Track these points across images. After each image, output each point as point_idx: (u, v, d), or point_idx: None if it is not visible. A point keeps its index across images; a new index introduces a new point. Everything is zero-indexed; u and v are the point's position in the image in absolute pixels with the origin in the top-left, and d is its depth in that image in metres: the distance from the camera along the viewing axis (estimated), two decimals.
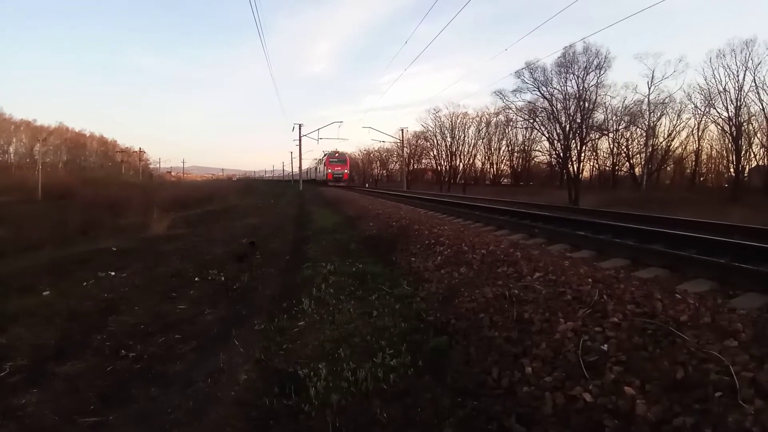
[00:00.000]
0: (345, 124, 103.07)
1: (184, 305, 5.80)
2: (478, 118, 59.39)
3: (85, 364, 4.08)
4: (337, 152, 51.70)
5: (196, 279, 7.10)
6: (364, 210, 13.34)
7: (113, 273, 7.47)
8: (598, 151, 46.71)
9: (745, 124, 36.79)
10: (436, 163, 65.69)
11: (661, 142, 43.20)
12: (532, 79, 41.79)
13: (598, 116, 41.61)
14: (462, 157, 61.76)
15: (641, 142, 43.05)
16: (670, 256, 4.61)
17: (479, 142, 60.69)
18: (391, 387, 2.97)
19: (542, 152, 52.00)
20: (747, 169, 38.58)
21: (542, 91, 41.78)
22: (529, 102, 44.50)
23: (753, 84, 35.38)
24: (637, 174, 44.08)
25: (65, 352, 4.32)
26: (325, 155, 52.44)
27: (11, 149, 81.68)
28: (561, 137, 40.97)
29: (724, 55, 36.59)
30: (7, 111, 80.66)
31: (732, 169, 38.69)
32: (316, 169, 62.24)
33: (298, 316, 4.63)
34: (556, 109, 41.20)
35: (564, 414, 2.34)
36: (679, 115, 42.09)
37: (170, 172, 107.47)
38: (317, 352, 3.65)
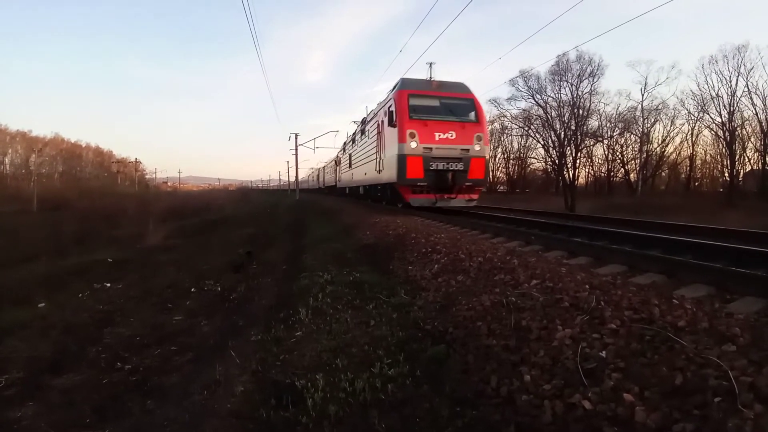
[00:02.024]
0: (341, 132, 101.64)
1: (180, 316, 5.77)
2: None
3: (80, 376, 4.05)
4: (435, 80, 13.85)
5: (192, 290, 7.07)
6: (360, 219, 13.33)
7: (109, 284, 7.44)
8: (594, 158, 47.21)
9: (738, 128, 37.23)
10: None
11: (656, 148, 43.71)
12: (526, 87, 42.36)
13: (593, 123, 42.23)
14: None
15: (636, 149, 43.53)
16: (666, 261, 4.62)
17: None
18: (389, 397, 2.95)
19: (538, 159, 52.49)
20: (741, 173, 38.93)
21: (536, 99, 42.33)
22: (523, 110, 45.02)
23: (746, 89, 36.05)
24: (632, 180, 44.43)
25: (61, 365, 4.28)
26: (395, 89, 13.44)
27: (6, 160, 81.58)
28: (556, 144, 41.36)
29: (716, 61, 37.31)
30: (3, 121, 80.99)
31: (726, 174, 39.03)
32: (335, 164, 31.24)
33: (295, 327, 4.61)
34: (551, 116, 41.69)
35: (563, 422, 2.33)
36: (672, 121, 42.73)
37: (166, 183, 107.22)
38: (314, 363, 3.62)
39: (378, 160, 14.78)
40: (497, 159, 60.35)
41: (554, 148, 41.80)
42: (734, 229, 6.83)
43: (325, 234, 12.15)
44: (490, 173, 49.42)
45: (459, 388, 2.96)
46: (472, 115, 12.95)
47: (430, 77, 14.23)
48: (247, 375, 3.58)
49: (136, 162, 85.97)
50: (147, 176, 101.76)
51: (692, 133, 42.41)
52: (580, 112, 39.97)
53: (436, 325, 4.07)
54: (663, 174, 46.69)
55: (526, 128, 46.93)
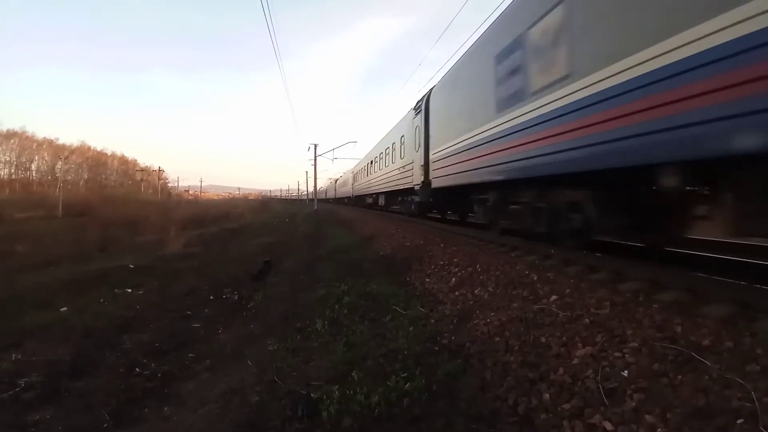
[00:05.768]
0: (359, 144, 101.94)
1: (198, 323, 5.82)
2: None
3: (99, 381, 4.10)
4: None
5: (211, 297, 7.13)
6: (378, 229, 13.33)
7: (129, 290, 7.55)
8: None
9: None
10: None
11: None
12: None
13: None
14: None
15: None
16: (690, 278, 4.50)
17: None
18: (404, 412, 2.91)
19: None
20: None
21: None
22: None
23: None
24: None
25: (80, 369, 4.35)
26: None
27: (33, 167, 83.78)
28: None
29: None
30: (30, 129, 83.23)
31: None
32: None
33: (311, 337, 4.61)
34: None
35: None
36: None
37: (188, 191, 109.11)
38: (330, 375, 3.60)
39: None
40: None
41: None
42: (760, 245, 6.60)
43: (342, 244, 12.17)
44: None
45: (475, 405, 2.91)
46: None
47: None
48: (263, 384, 3.59)
49: (159, 170, 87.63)
50: (169, 184, 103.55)
51: None
52: None
53: (453, 340, 4.02)
54: None
55: None
